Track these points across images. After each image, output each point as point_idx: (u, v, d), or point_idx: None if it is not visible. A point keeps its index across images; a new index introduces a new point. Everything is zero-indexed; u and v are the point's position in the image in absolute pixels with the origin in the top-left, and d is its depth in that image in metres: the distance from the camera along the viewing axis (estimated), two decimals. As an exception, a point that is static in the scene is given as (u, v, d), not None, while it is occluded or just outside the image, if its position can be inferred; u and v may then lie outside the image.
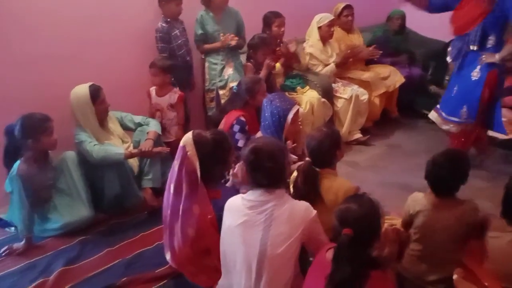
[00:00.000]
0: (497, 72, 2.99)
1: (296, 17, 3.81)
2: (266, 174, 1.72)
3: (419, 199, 2.03)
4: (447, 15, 4.34)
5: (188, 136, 1.99)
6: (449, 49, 3.29)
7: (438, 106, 3.35)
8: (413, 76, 4.24)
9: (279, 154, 1.78)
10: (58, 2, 2.92)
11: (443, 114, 3.24)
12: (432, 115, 3.39)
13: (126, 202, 2.78)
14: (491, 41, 2.95)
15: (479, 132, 3.22)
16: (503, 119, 3.55)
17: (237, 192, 2.27)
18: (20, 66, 2.83)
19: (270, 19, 3.53)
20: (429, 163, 1.99)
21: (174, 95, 3.17)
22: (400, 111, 4.26)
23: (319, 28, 3.75)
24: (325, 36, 3.78)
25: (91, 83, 2.72)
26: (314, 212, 1.73)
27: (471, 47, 3.01)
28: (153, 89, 3.20)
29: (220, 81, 3.38)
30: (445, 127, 3.26)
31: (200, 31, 3.34)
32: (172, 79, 3.23)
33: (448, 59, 3.29)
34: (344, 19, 4.02)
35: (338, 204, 1.94)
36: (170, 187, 2.01)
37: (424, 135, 3.96)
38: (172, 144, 3.17)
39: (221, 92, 3.39)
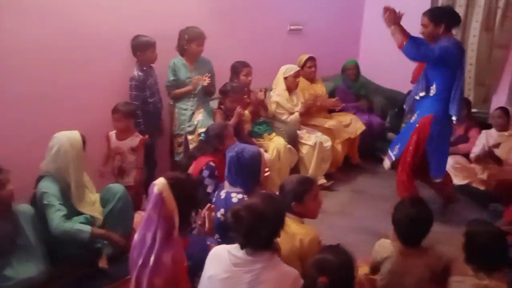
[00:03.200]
0: (431, 118, 3.11)
1: (262, 67, 3.96)
2: (256, 238, 1.66)
3: (386, 246, 2.09)
4: (405, 68, 4.70)
5: (162, 181, 1.86)
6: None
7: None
8: (372, 124, 4.46)
9: (273, 221, 1.71)
10: (43, 45, 2.93)
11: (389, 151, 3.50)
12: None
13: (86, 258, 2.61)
14: (432, 90, 3.13)
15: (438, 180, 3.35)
16: (457, 165, 3.79)
17: (204, 241, 2.25)
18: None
19: (238, 68, 3.66)
20: (400, 215, 2.04)
21: (135, 138, 3.13)
22: (361, 157, 4.43)
23: (285, 78, 3.93)
24: (291, 86, 3.95)
25: (76, 131, 2.61)
26: (302, 282, 1.68)
27: (419, 95, 3.21)
28: (113, 133, 3.14)
29: (189, 126, 3.41)
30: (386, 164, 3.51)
31: (172, 77, 3.40)
32: (142, 126, 3.24)
33: (405, 106, 3.52)
34: (308, 70, 4.23)
35: (303, 252, 1.99)
36: (146, 237, 1.89)
37: (385, 180, 4.11)
38: (131, 189, 3.11)
39: (189, 137, 3.41)
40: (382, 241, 2.14)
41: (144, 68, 3.25)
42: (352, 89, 4.59)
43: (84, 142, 2.59)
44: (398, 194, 3.34)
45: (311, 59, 4.23)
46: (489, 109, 4.52)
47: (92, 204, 2.67)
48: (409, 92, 4.43)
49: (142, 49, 3.20)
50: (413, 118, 3.27)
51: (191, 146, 3.37)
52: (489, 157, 3.55)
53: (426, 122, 3.15)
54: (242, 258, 1.67)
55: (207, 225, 2.23)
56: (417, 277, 1.98)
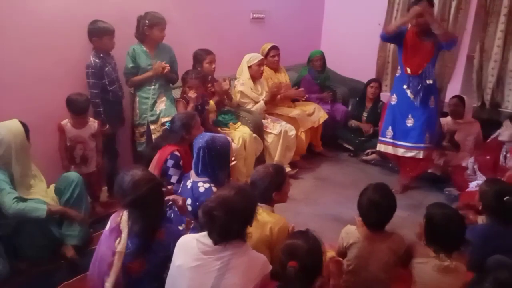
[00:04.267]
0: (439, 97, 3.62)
1: (225, 55, 3.91)
2: (230, 233, 1.64)
3: (352, 232, 2.12)
4: (364, 59, 4.86)
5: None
6: (404, 86, 3.56)
7: (387, 139, 3.68)
8: (335, 113, 4.54)
9: (246, 214, 1.69)
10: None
11: (409, 144, 3.57)
12: (383, 147, 3.72)
13: (48, 252, 2.56)
14: (434, 74, 3.49)
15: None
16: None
17: (178, 230, 2.20)
18: None
19: (201, 56, 3.58)
20: (364, 201, 2.06)
21: (94, 124, 3.08)
22: (324, 146, 4.51)
23: (249, 67, 3.90)
24: (256, 75, 3.93)
25: (16, 119, 2.50)
26: (270, 267, 1.70)
27: (428, 82, 3.44)
28: (66, 122, 3.02)
29: (152, 115, 3.31)
30: (410, 154, 3.58)
31: (131, 65, 3.27)
32: (102, 115, 3.13)
33: (410, 95, 3.55)
34: (271, 59, 4.22)
35: (273, 240, 2.01)
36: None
37: (348, 167, 4.24)
38: (93, 175, 3.11)
39: (152, 126, 3.31)
40: (348, 227, 2.17)
41: (101, 55, 3.12)
42: (318, 80, 4.63)
43: (27, 130, 2.50)
44: (413, 176, 3.76)
45: (274, 48, 4.22)
46: (445, 98, 4.73)
47: (43, 192, 2.60)
48: (368, 83, 4.59)
49: (99, 35, 3.07)
50: (431, 102, 3.51)
51: (154, 136, 3.28)
52: (448, 141, 3.71)
53: (440, 101, 3.62)
54: (211, 245, 1.66)
55: (181, 204, 2.24)
56: (381, 261, 2.03)
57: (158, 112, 3.31)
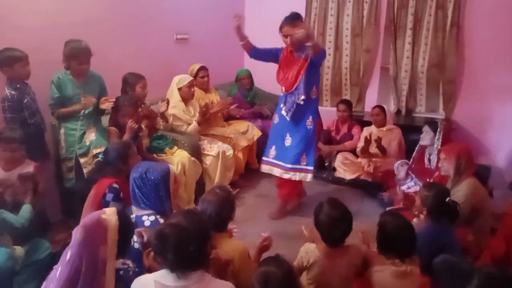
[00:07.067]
0: (321, 120, 3.47)
1: (151, 77, 3.72)
2: (185, 256, 1.56)
3: (312, 251, 2.11)
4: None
5: (112, 217, 1.65)
6: (281, 105, 3.45)
7: (270, 159, 3.52)
8: (266, 129, 4.58)
9: (200, 235, 1.62)
10: None
11: (287, 165, 3.39)
12: (267, 168, 3.53)
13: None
14: (314, 93, 3.33)
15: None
16: (346, 161, 4.14)
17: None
18: None
19: (134, 80, 3.41)
20: (323, 219, 2.04)
21: (28, 166, 2.74)
22: (259, 162, 4.53)
23: (180, 89, 3.81)
24: (187, 97, 3.84)
25: None
26: None
27: (301, 99, 3.26)
28: None
29: (80, 148, 3.06)
30: (286, 176, 3.40)
31: (57, 95, 3.01)
32: (24, 151, 2.80)
33: (284, 112, 3.43)
34: (201, 80, 4.17)
35: (235, 268, 1.95)
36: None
37: (284, 181, 4.29)
38: None
39: (82, 160, 3.06)
40: (307, 245, 2.15)
41: (18, 86, 2.84)
42: (248, 98, 4.71)
43: None
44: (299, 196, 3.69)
45: (203, 68, 4.19)
46: (364, 107, 5.04)
47: None
48: None
49: (9, 63, 2.80)
50: (309, 123, 3.35)
51: (85, 170, 3.03)
52: (377, 147, 3.94)
53: (319, 124, 3.47)
54: (171, 285, 1.56)
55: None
56: (343, 275, 2.06)
57: (87, 143, 3.08)
